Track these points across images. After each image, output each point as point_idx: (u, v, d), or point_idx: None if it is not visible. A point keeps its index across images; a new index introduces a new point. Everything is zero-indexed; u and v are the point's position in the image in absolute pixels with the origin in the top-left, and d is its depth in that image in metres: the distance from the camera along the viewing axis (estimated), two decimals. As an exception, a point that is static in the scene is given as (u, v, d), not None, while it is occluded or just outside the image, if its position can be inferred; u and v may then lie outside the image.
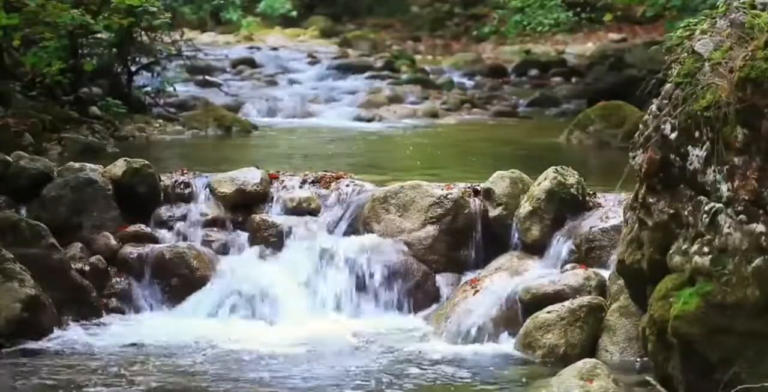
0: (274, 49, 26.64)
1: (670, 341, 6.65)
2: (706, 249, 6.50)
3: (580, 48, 26.03)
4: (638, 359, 7.70)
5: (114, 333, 8.66)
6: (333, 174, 10.10)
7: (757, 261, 6.27)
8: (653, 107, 6.98)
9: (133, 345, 8.32)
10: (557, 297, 8.26)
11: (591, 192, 9.26)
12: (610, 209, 8.94)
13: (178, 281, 9.25)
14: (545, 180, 9.14)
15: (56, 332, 8.54)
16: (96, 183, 9.59)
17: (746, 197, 6.33)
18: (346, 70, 22.81)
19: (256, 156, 13.22)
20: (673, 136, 6.73)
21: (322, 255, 9.29)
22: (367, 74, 22.23)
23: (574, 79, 22.40)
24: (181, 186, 9.95)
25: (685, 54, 6.77)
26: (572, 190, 9.10)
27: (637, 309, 7.59)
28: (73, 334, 8.58)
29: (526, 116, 18.72)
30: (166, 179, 9.98)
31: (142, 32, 15.72)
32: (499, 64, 24.36)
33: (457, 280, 9.25)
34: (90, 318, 8.95)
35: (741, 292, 6.33)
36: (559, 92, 20.77)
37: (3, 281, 8.36)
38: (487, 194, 9.41)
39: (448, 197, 9.42)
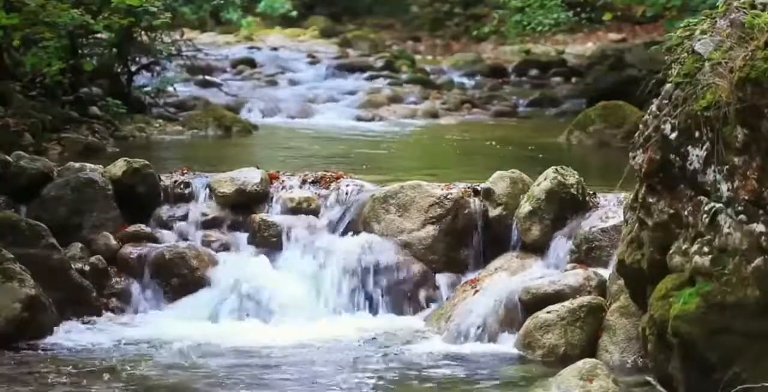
0: (274, 49, 26.63)
1: (670, 341, 6.66)
2: (706, 249, 6.51)
3: (580, 48, 26.02)
4: (638, 359, 7.70)
5: (114, 332, 8.65)
6: (333, 174, 10.10)
7: (757, 261, 6.27)
8: (653, 107, 6.98)
9: (133, 344, 8.33)
10: (557, 297, 8.26)
11: (591, 192, 9.26)
12: (610, 209, 8.94)
13: (178, 281, 9.25)
14: (545, 180, 9.14)
15: (56, 332, 8.54)
16: (96, 183, 9.59)
17: (746, 197, 6.33)
18: (346, 70, 22.81)
19: (256, 156, 13.23)
20: (673, 136, 6.74)
21: (322, 255, 9.29)
22: (367, 74, 22.23)
23: (574, 79, 22.40)
24: (181, 186, 9.95)
25: (685, 54, 6.77)
26: (572, 190, 9.10)
27: (637, 309, 7.60)
28: (73, 334, 8.58)
29: (526, 116, 18.72)
30: (166, 179, 9.98)
31: (142, 32, 15.73)
32: (499, 64, 24.35)
33: (457, 280, 9.25)
34: (90, 317, 8.94)
35: (741, 292, 6.33)
36: (559, 92, 20.78)
37: (3, 281, 8.35)
38: (487, 194, 9.41)
39: (448, 197, 9.42)
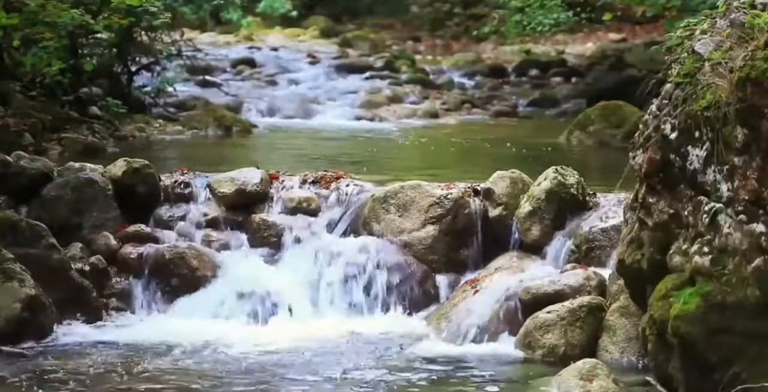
0: (274, 49, 26.61)
1: (670, 341, 6.66)
2: (706, 249, 6.51)
3: (580, 48, 26.01)
4: (638, 359, 7.70)
5: (114, 333, 8.65)
6: (333, 174, 10.10)
7: (757, 261, 6.27)
8: (653, 107, 6.98)
9: (133, 345, 8.33)
10: (557, 297, 8.26)
11: (591, 192, 9.26)
12: (610, 209, 8.94)
13: (178, 281, 9.24)
14: (545, 180, 9.14)
15: (56, 332, 8.54)
16: (96, 183, 9.59)
17: (746, 197, 6.33)
18: (346, 70, 22.79)
19: (256, 156, 13.23)
20: (673, 136, 6.74)
21: (321, 255, 9.29)
22: (367, 74, 22.22)
23: (574, 79, 22.39)
24: (181, 186, 9.95)
25: (685, 54, 6.78)
26: (572, 190, 9.10)
27: (637, 309, 7.60)
28: (73, 334, 8.58)
29: (526, 116, 18.73)
30: (166, 179, 9.98)
31: (142, 32, 15.74)
32: (499, 64, 24.34)
33: (457, 280, 9.25)
34: (90, 318, 8.93)
35: (741, 292, 6.33)
36: (559, 92, 20.78)
37: (3, 281, 8.35)
38: (487, 194, 9.41)
39: (448, 197, 9.42)
